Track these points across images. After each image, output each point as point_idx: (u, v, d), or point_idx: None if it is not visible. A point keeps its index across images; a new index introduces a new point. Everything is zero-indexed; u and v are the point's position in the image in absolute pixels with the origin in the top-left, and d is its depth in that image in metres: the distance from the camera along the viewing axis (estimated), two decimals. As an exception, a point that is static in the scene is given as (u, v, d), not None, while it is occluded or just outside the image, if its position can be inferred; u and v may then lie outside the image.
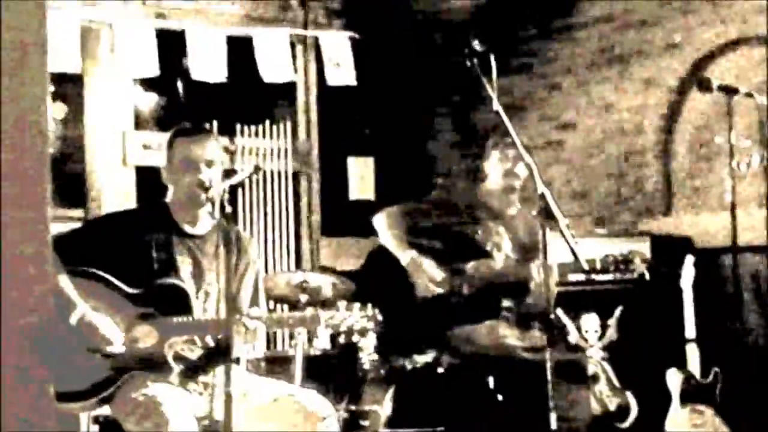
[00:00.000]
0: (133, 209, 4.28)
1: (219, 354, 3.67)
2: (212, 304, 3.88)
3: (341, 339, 3.76)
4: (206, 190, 3.79)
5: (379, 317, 3.75)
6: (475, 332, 4.71)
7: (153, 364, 3.68)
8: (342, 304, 3.77)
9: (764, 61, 6.38)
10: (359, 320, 3.73)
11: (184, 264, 3.87)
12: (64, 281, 3.65)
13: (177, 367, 3.72)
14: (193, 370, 3.81)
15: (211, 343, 3.81)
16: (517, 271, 4.75)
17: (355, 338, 3.75)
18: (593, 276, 5.77)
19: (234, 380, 3.35)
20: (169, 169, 3.95)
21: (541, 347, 4.23)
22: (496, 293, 4.76)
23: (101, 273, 3.76)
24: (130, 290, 3.75)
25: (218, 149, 3.97)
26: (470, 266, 4.78)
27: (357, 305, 3.75)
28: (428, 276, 4.72)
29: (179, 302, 3.74)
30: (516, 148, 3.82)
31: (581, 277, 5.81)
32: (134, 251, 3.83)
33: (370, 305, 3.76)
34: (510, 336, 4.71)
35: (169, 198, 3.98)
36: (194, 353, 3.82)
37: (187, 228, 3.94)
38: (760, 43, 6.51)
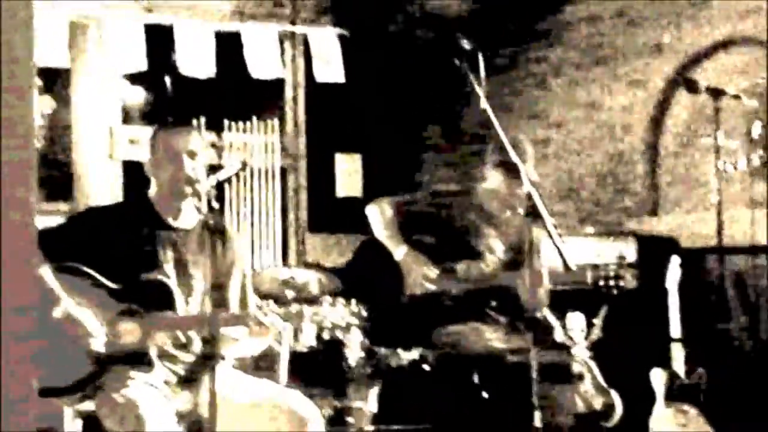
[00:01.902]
0: (115, 204, 4.26)
1: (206, 354, 3.65)
2: (196, 299, 3.87)
3: (325, 335, 3.75)
4: (192, 183, 3.78)
5: (364, 313, 3.75)
6: (461, 334, 4.71)
7: (136, 361, 3.67)
8: (326, 299, 3.77)
9: (751, 63, 6.40)
10: (344, 316, 3.73)
11: (168, 258, 3.86)
12: (48, 276, 3.64)
13: (160, 365, 3.71)
14: (183, 380, 3.81)
15: (196, 341, 3.80)
16: (507, 276, 4.75)
17: (339, 334, 3.75)
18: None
19: (219, 377, 3.34)
20: (151, 162, 3.95)
21: (526, 349, 4.24)
22: (485, 296, 4.76)
23: (84, 268, 3.74)
24: (113, 285, 3.74)
25: (200, 141, 3.96)
26: (460, 267, 4.78)
27: (341, 301, 3.75)
28: (422, 272, 4.72)
29: (163, 298, 3.73)
30: (519, 170, 3.81)
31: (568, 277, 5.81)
32: (117, 246, 3.81)
33: (354, 301, 3.76)
34: (495, 339, 4.71)
35: (151, 192, 3.97)
36: (182, 357, 3.81)
37: (171, 221, 3.92)
38: (748, 44, 6.53)
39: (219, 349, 3.46)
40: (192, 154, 3.85)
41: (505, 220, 4.83)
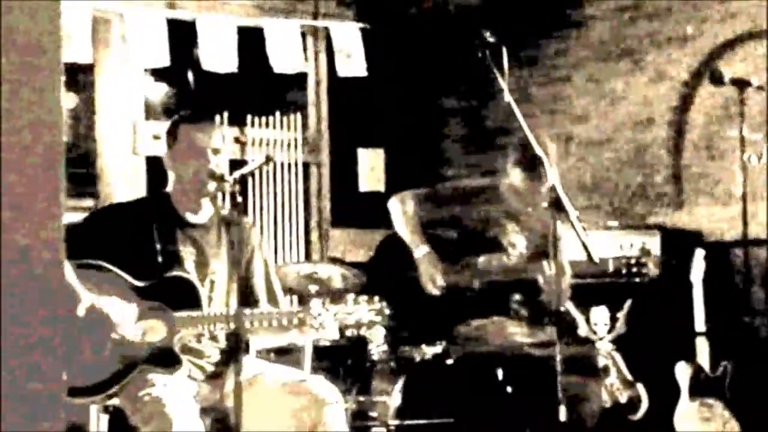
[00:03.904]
0: (134, 200, 4.26)
1: (231, 349, 3.67)
2: (219, 292, 3.88)
3: (349, 332, 3.76)
4: (216, 179, 3.78)
5: (387, 311, 3.76)
6: (483, 328, 4.71)
7: (161, 358, 3.68)
8: (350, 297, 3.77)
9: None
10: (367, 314, 3.74)
11: (188, 254, 3.86)
12: (69, 274, 3.64)
13: (185, 362, 3.72)
14: (208, 374, 3.82)
15: (221, 336, 3.81)
16: (529, 268, 4.74)
17: (363, 331, 3.76)
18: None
19: (245, 365, 3.35)
20: (172, 157, 3.92)
21: (549, 343, 4.23)
22: (507, 289, 4.76)
23: (107, 265, 3.74)
24: (136, 283, 3.74)
25: (222, 137, 3.96)
26: (482, 260, 4.78)
27: (364, 298, 3.75)
28: (430, 276, 4.72)
29: (187, 295, 3.73)
30: (539, 168, 3.78)
31: (591, 269, 5.80)
32: (137, 242, 3.82)
33: (377, 298, 3.76)
34: (519, 333, 4.71)
35: (170, 187, 3.96)
36: (207, 352, 3.82)
37: (189, 217, 3.92)
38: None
39: (244, 344, 3.47)
40: (216, 152, 3.85)
41: (526, 216, 4.83)
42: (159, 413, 3.49)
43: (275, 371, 3.90)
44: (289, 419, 3.71)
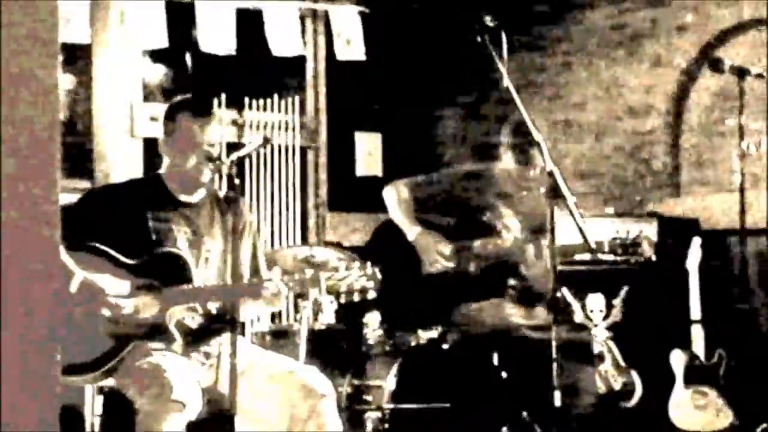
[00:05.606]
0: (126, 182, 4.28)
1: (223, 320, 3.69)
2: (213, 270, 3.89)
3: (342, 299, 3.75)
4: (213, 161, 3.79)
5: (379, 276, 3.75)
6: (481, 309, 4.72)
7: (155, 334, 3.69)
8: (342, 264, 3.78)
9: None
10: (359, 279, 3.74)
11: (181, 233, 3.88)
12: (62, 253, 3.64)
13: (179, 336, 3.73)
14: (195, 339, 3.82)
15: (214, 311, 3.82)
16: (524, 251, 4.75)
17: (356, 298, 3.74)
18: (600, 256, 5.77)
19: (239, 352, 3.35)
20: (168, 143, 3.94)
21: (546, 326, 4.24)
22: (503, 272, 4.76)
23: (99, 246, 3.75)
24: (128, 261, 3.75)
25: (219, 128, 3.96)
26: (478, 244, 4.78)
27: (356, 265, 3.75)
28: (436, 251, 4.72)
29: (178, 271, 3.75)
30: (530, 153, 3.79)
31: (587, 256, 5.80)
32: (130, 223, 3.83)
33: (369, 264, 3.76)
34: (515, 314, 4.72)
35: (163, 169, 3.98)
36: (195, 321, 3.83)
37: (183, 197, 3.94)
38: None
39: (238, 319, 3.47)
40: (212, 145, 3.86)
41: (520, 199, 4.84)
42: (159, 379, 3.49)
43: (268, 361, 3.90)
44: (281, 410, 3.71)
